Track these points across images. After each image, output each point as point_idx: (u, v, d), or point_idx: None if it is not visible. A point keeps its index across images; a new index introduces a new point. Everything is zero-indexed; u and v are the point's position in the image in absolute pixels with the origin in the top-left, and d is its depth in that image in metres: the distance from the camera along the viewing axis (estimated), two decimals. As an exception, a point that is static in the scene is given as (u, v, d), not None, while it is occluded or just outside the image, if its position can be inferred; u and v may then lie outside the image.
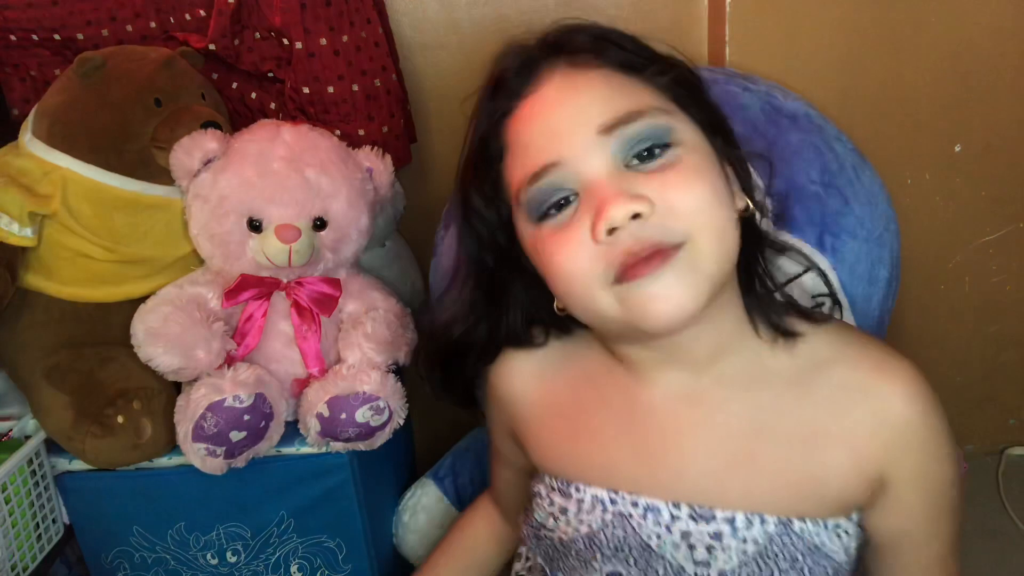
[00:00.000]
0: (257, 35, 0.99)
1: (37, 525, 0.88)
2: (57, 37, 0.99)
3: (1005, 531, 1.14)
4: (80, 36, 0.99)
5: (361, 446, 0.89)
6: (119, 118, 0.88)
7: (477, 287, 0.64)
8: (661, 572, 0.59)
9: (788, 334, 0.58)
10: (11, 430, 0.90)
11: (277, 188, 0.87)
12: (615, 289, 0.52)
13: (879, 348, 0.59)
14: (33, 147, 0.89)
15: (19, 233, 0.84)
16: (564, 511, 0.62)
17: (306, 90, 0.98)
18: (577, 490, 0.62)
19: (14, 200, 0.83)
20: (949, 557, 0.62)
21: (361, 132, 1.00)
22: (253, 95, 1.04)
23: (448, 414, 1.09)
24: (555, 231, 0.53)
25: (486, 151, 0.58)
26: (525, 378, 0.66)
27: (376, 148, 0.97)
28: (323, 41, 0.96)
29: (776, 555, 0.57)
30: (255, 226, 0.88)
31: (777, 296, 0.61)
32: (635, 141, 0.52)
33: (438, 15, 1.08)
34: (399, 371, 0.93)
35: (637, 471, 0.60)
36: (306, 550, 0.94)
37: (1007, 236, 1.18)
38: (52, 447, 0.89)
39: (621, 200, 0.50)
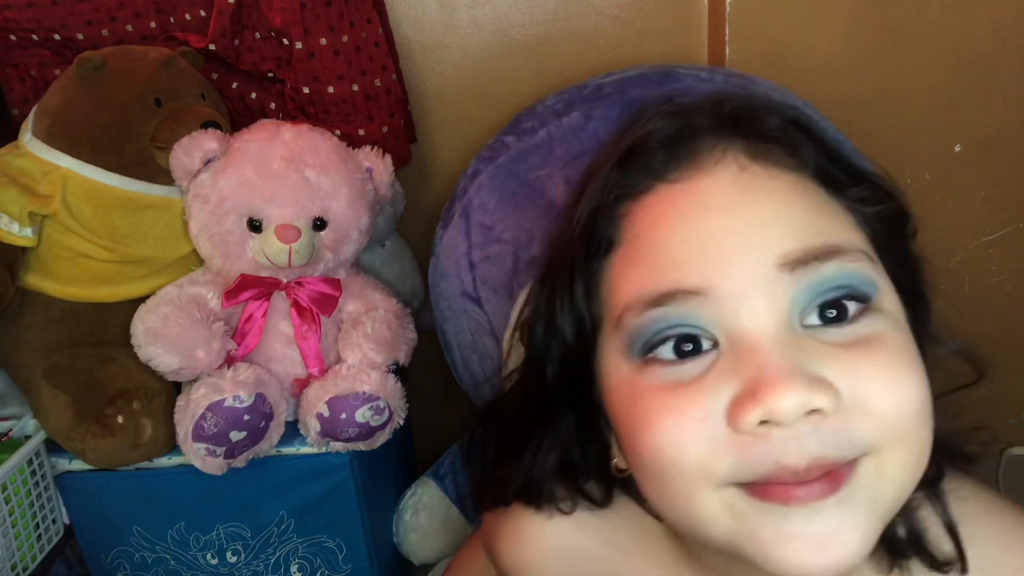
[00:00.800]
0: (257, 35, 0.99)
1: (37, 525, 0.88)
2: (57, 37, 0.99)
3: (1005, 531, 1.14)
4: (80, 36, 0.99)
5: (361, 446, 0.89)
6: (119, 118, 0.88)
7: (524, 395, 0.47)
8: None
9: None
10: (11, 430, 0.90)
11: (277, 188, 0.87)
12: (734, 495, 0.35)
13: (1020, 521, 0.43)
14: (33, 147, 0.89)
15: (19, 233, 0.84)
16: None
17: (306, 90, 0.98)
18: None
19: (14, 200, 0.83)
20: None
21: (361, 132, 1.00)
22: (253, 95, 1.04)
23: (448, 414, 1.09)
24: (667, 386, 0.36)
25: (591, 235, 0.41)
26: (561, 563, 0.48)
27: (376, 148, 0.97)
28: (323, 41, 0.96)
29: None
30: (255, 226, 0.88)
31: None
32: (828, 289, 0.36)
33: (438, 15, 1.07)
34: (399, 371, 0.93)
35: None
36: (306, 550, 0.94)
37: (1007, 236, 1.17)
38: (52, 447, 0.89)
39: (797, 384, 0.33)
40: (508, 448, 0.48)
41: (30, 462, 0.86)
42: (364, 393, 0.86)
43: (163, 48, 0.95)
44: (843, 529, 0.34)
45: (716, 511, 0.36)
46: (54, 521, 0.90)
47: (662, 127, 0.41)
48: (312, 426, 0.87)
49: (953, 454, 0.43)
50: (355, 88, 0.98)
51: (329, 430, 0.86)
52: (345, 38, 0.96)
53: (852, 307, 0.36)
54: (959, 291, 1.21)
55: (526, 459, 0.46)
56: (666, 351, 0.37)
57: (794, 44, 1.04)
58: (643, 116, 0.42)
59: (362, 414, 0.86)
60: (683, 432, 0.35)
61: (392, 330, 0.91)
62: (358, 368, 0.88)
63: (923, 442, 0.36)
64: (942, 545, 0.41)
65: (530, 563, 0.49)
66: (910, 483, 0.37)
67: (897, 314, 0.38)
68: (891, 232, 0.41)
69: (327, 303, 0.91)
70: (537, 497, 0.47)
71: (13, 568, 0.84)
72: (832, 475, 0.34)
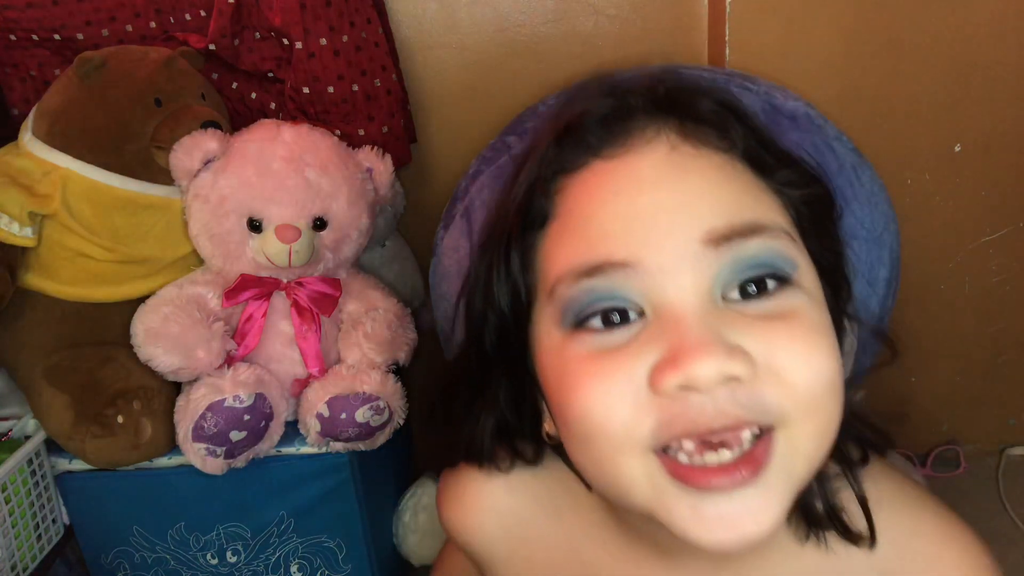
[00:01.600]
0: (257, 35, 0.99)
1: (37, 525, 0.88)
2: (57, 37, 0.99)
3: (1005, 531, 1.14)
4: (80, 36, 0.99)
5: (361, 446, 0.89)
6: (119, 118, 0.88)
7: (466, 363, 0.48)
8: None
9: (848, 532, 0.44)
10: (11, 430, 0.90)
11: (277, 188, 0.87)
12: (656, 468, 0.37)
13: (935, 512, 0.46)
14: (33, 147, 0.89)
15: (19, 233, 0.84)
16: None
17: (306, 90, 0.98)
18: None
19: (14, 200, 0.83)
20: None
21: (361, 132, 1.00)
22: (253, 95, 1.04)
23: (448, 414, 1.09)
24: (594, 354, 0.38)
25: (527, 209, 0.43)
26: (495, 522, 0.51)
27: (376, 148, 0.97)
28: (323, 41, 0.96)
29: None
30: (255, 226, 0.88)
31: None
32: (750, 266, 0.37)
33: (438, 15, 1.07)
34: (399, 371, 0.93)
35: None
36: (306, 550, 0.94)
37: (1007, 236, 1.17)
38: (52, 447, 0.89)
39: (716, 353, 0.35)
40: (456, 413, 0.50)
41: (30, 462, 0.86)
42: (364, 393, 0.86)
43: (163, 48, 0.95)
44: (758, 509, 0.36)
45: (638, 478, 0.37)
46: (54, 521, 0.90)
47: (599, 105, 0.42)
48: (312, 426, 0.87)
49: (876, 440, 0.45)
50: (355, 88, 0.98)
51: (329, 430, 0.86)
52: (345, 38, 0.96)
53: (771, 283, 0.38)
54: (959, 291, 1.21)
55: (468, 423, 0.48)
56: (595, 321, 0.38)
57: (794, 44, 1.04)
58: (581, 94, 0.43)
59: (362, 414, 0.86)
60: (609, 396, 0.37)
61: (392, 330, 0.91)
62: (358, 368, 0.88)
63: (832, 415, 0.38)
64: (856, 521, 0.43)
65: (467, 521, 0.52)
66: (819, 457, 0.38)
67: (815, 292, 0.40)
68: (816, 215, 0.43)
69: (327, 303, 0.91)
70: (478, 456, 0.49)
71: (13, 568, 0.84)
72: (750, 460, 0.36)
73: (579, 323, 0.39)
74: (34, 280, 0.88)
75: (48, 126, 0.88)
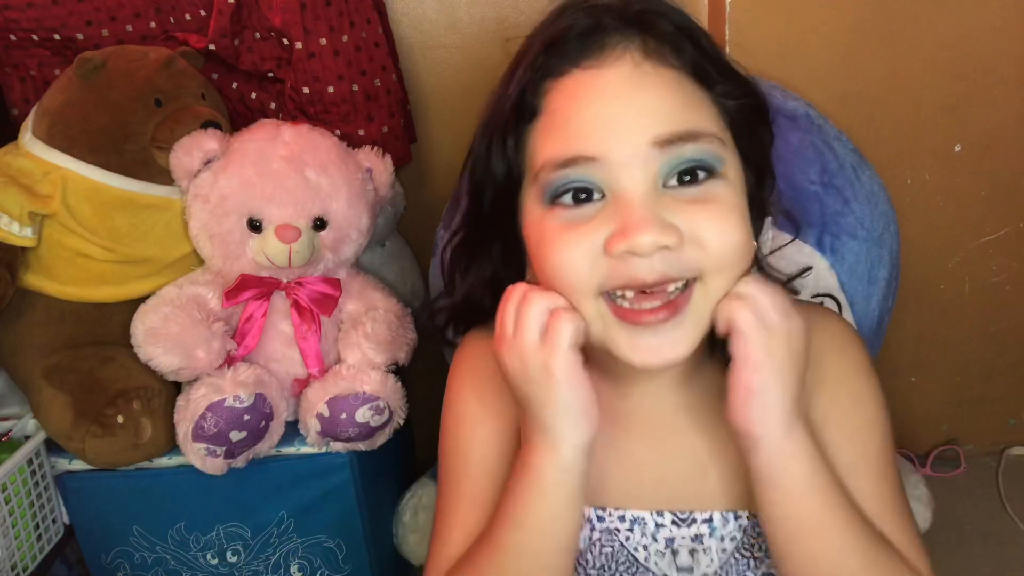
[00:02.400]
0: (257, 35, 0.99)
1: (37, 525, 0.88)
2: (57, 37, 0.99)
3: (1005, 531, 1.14)
4: (80, 36, 0.99)
5: (361, 446, 0.89)
6: (119, 118, 0.88)
7: (467, 224, 0.60)
8: None
9: None
10: (11, 430, 0.90)
11: (277, 188, 0.87)
12: (604, 308, 0.50)
13: (806, 310, 0.57)
14: (33, 147, 0.89)
15: (19, 233, 0.84)
16: None
17: (306, 90, 0.98)
18: None
19: (14, 200, 0.83)
20: (897, 507, 0.58)
21: (361, 132, 1.00)
22: (253, 95, 1.04)
23: (448, 414, 1.09)
24: (565, 224, 0.50)
25: (519, 105, 0.53)
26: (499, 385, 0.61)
27: (376, 148, 0.97)
28: (323, 41, 0.96)
29: (752, 546, 0.58)
30: (255, 226, 0.88)
31: None
32: (685, 163, 0.49)
33: (438, 15, 1.07)
34: (399, 371, 0.93)
35: (623, 484, 0.59)
36: (306, 550, 0.94)
37: (1007, 236, 1.18)
38: (52, 447, 0.89)
39: (653, 228, 0.47)
40: (461, 272, 0.62)
41: (30, 462, 0.86)
42: (364, 393, 0.86)
43: (163, 48, 0.95)
44: (676, 341, 0.50)
45: (592, 315, 0.51)
46: (54, 521, 0.90)
47: (579, 19, 0.52)
48: (312, 426, 0.87)
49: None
50: (355, 88, 0.98)
51: (329, 430, 0.86)
52: (345, 38, 0.96)
53: (701, 174, 0.50)
54: (959, 291, 1.21)
55: (471, 274, 0.61)
56: (567, 198, 0.50)
57: (794, 44, 1.04)
58: (567, 9, 0.53)
59: (362, 414, 0.86)
60: (573, 256, 0.50)
61: (392, 330, 0.91)
62: (358, 368, 0.88)
63: (738, 271, 0.51)
64: None
65: (473, 371, 0.64)
66: (725, 290, 0.51)
67: (737, 182, 0.52)
68: (747, 120, 0.54)
69: (327, 303, 0.91)
70: (474, 306, 0.61)
71: (13, 568, 0.84)
72: (672, 305, 0.49)
73: (555, 199, 0.51)
74: (34, 280, 0.88)
75: (48, 126, 0.88)
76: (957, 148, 1.12)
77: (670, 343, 0.50)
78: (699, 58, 0.51)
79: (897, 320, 0.99)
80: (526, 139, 0.53)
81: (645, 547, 0.59)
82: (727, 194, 0.50)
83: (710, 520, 0.58)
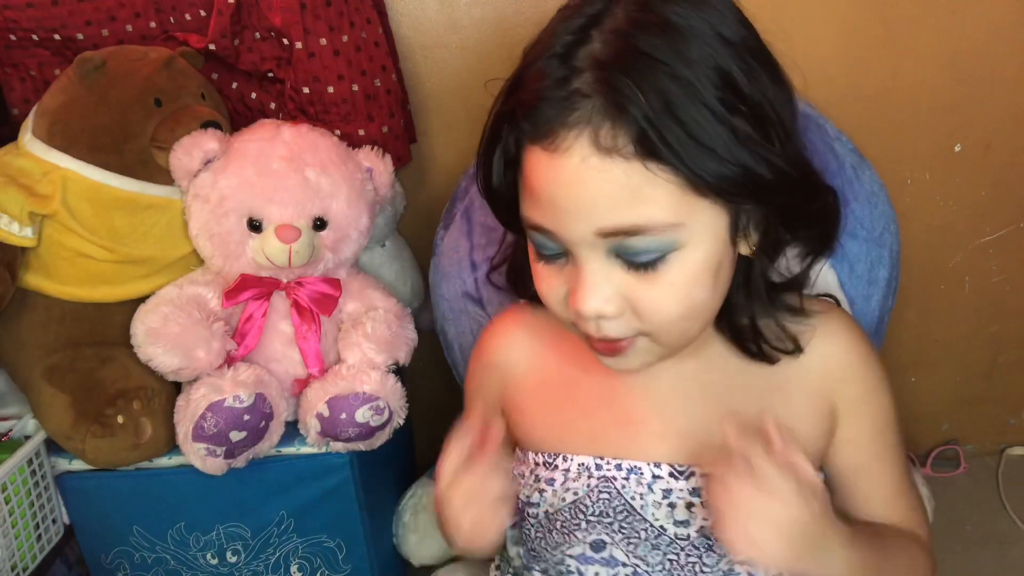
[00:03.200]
0: (257, 35, 0.99)
1: (37, 525, 0.88)
2: (57, 37, 0.99)
3: (1005, 531, 1.14)
4: (80, 36, 0.99)
5: (361, 446, 0.89)
6: (119, 118, 0.88)
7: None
8: (643, 536, 0.62)
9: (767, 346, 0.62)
10: (11, 430, 0.90)
11: (277, 188, 0.87)
12: (578, 328, 0.57)
13: (810, 304, 0.65)
14: (33, 147, 0.89)
15: (19, 233, 0.84)
16: (551, 482, 0.65)
17: (306, 90, 0.98)
18: (564, 460, 0.65)
19: (14, 200, 0.83)
20: (906, 487, 0.66)
21: (361, 132, 1.00)
22: (253, 95, 1.04)
23: (448, 414, 1.09)
24: (543, 266, 0.57)
25: (508, 151, 0.56)
26: (519, 348, 0.70)
27: (376, 148, 0.97)
28: (323, 41, 0.96)
29: None
30: (255, 226, 0.88)
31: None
32: (630, 253, 0.52)
33: (438, 15, 1.07)
34: (399, 371, 0.93)
35: (621, 436, 0.64)
36: (306, 550, 0.94)
37: (1007, 236, 1.18)
38: (52, 447, 0.89)
39: (595, 300, 0.53)
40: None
41: (30, 462, 0.86)
42: (364, 393, 0.86)
43: (163, 48, 0.95)
44: (630, 365, 0.58)
45: (575, 331, 0.58)
46: (54, 521, 0.90)
47: (554, 88, 0.51)
48: (312, 426, 0.87)
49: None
50: (355, 88, 0.98)
51: (329, 430, 0.86)
52: (345, 38, 0.96)
53: (648, 257, 0.52)
54: (959, 291, 1.21)
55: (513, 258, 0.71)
56: (543, 249, 0.56)
57: (794, 44, 1.04)
58: (546, 63, 0.53)
59: (362, 414, 0.86)
60: (550, 293, 0.57)
61: (392, 330, 0.91)
62: (358, 368, 0.88)
63: (685, 330, 0.56)
64: (785, 342, 0.62)
65: (506, 335, 0.71)
66: (683, 343, 0.57)
67: (700, 239, 0.53)
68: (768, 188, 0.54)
69: (327, 303, 0.91)
70: (517, 277, 0.71)
71: (13, 568, 0.84)
72: (614, 347, 0.56)
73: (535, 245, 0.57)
74: (34, 280, 0.88)
75: (48, 126, 0.88)
76: (957, 148, 1.12)
77: (625, 364, 0.58)
78: (663, 148, 0.49)
79: (897, 320, 0.99)
80: (520, 172, 0.56)
81: (641, 496, 0.62)
82: (679, 267, 0.53)
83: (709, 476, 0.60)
